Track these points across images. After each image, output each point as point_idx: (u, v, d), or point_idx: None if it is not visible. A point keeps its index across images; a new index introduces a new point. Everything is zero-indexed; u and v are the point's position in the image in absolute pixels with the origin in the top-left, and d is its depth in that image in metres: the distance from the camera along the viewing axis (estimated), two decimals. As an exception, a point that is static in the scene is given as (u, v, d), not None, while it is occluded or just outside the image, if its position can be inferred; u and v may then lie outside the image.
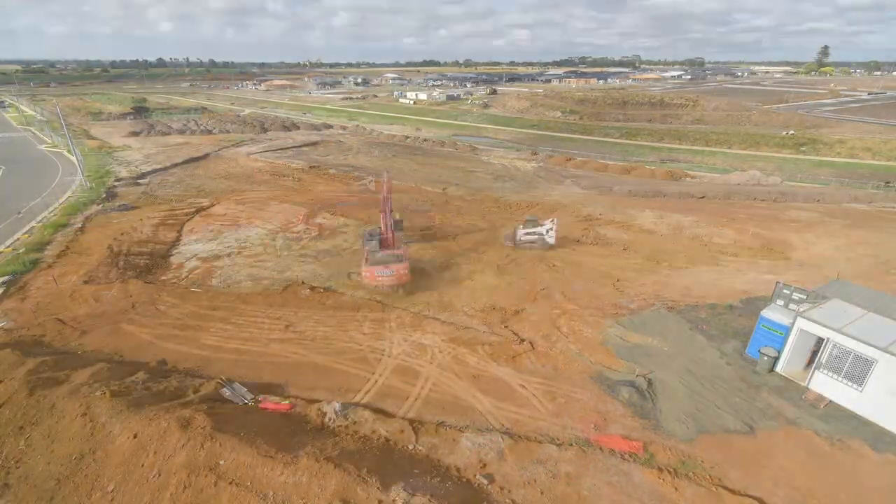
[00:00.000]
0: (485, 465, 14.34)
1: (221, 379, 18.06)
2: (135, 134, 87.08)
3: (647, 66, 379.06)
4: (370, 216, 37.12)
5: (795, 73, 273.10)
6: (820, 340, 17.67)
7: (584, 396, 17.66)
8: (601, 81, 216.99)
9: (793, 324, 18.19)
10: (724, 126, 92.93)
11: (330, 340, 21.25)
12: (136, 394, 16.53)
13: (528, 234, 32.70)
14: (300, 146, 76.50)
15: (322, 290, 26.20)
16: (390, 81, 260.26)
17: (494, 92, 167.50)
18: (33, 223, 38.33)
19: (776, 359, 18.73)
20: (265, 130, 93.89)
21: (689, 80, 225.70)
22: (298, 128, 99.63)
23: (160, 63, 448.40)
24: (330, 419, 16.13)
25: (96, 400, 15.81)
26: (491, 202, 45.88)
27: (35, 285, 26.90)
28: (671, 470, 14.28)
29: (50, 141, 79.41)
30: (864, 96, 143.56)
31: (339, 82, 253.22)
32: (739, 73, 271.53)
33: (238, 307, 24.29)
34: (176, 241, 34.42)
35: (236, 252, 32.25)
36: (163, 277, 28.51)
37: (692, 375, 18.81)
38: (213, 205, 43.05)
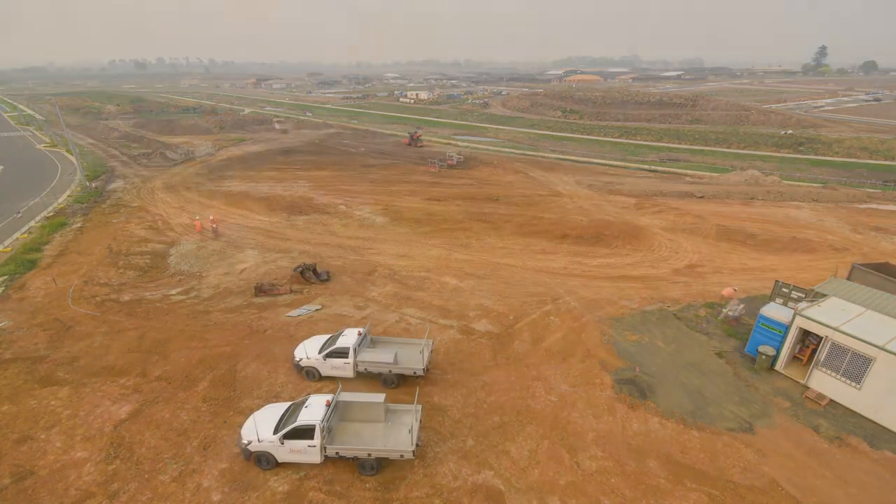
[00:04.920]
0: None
1: None
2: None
3: (646, 66, 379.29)
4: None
5: (794, 73, 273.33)
6: (814, 337, 17.73)
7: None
8: (605, 81, 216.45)
9: (791, 322, 18.25)
10: (723, 126, 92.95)
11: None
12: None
13: None
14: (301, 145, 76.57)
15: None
16: (391, 81, 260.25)
17: (495, 91, 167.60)
18: (32, 223, 38.29)
19: (775, 357, 18.79)
20: (265, 130, 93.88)
21: (689, 80, 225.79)
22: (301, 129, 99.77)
23: (160, 62, 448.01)
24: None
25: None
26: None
27: (34, 285, 26.89)
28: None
29: (49, 140, 79.32)
30: (862, 96, 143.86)
31: (340, 81, 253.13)
32: (738, 73, 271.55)
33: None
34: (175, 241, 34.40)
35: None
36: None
37: (691, 374, 18.86)
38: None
